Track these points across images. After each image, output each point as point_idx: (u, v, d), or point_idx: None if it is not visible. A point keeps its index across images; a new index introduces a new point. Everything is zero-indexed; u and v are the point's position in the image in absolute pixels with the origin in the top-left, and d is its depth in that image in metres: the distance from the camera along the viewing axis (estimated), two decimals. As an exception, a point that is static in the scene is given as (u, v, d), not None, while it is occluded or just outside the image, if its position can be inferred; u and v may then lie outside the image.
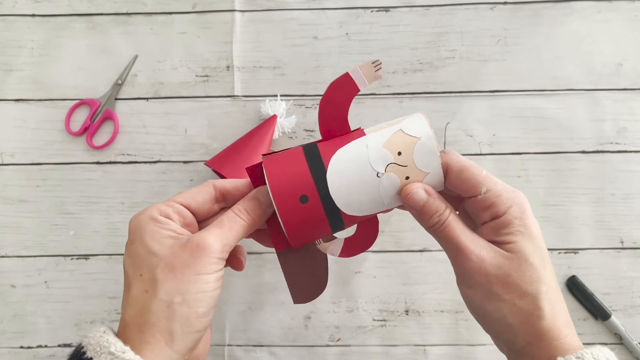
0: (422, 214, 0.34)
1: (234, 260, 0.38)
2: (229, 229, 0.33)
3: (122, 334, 0.31)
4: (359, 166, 0.32)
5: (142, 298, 0.31)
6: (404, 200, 0.33)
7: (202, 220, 0.36)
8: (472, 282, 0.32)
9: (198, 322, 0.31)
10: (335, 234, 0.35)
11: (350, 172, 0.32)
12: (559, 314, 0.32)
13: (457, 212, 0.36)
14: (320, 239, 0.35)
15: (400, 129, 0.33)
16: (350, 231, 0.36)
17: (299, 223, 0.33)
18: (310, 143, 0.34)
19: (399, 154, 0.32)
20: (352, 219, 0.34)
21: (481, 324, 0.34)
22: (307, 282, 0.36)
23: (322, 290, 0.36)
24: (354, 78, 0.33)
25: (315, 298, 0.36)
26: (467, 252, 0.32)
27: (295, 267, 0.35)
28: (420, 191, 0.33)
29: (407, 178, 0.33)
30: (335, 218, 0.33)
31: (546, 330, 0.31)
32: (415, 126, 0.33)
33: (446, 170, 0.34)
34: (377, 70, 0.33)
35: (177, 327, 0.30)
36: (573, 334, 0.32)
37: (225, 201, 0.37)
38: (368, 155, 0.32)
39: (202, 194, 0.35)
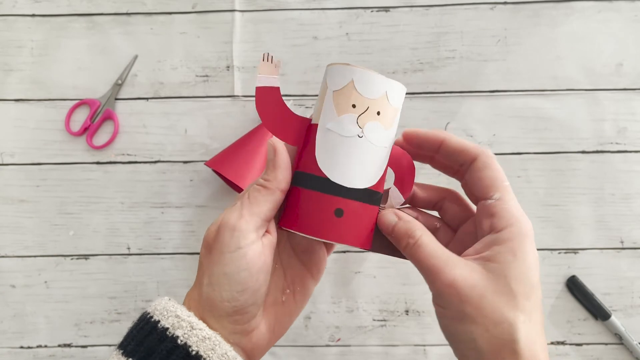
0: (392, 237, 0.33)
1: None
2: (247, 199, 0.32)
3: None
4: (343, 147, 0.32)
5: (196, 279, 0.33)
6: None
7: None
8: (444, 302, 0.31)
9: (223, 306, 0.31)
10: (385, 188, 0.35)
11: (345, 159, 0.32)
12: (536, 349, 0.29)
13: (438, 225, 0.36)
14: (381, 205, 0.34)
15: (332, 90, 0.32)
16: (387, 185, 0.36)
17: (364, 228, 0.33)
18: (294, 173, 0.34)
19: (354, 106, 0.32)
20: (383, 181, 0.33)
21: (450, 343, 0.33)
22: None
23: None
24: (264, 85, 0.33)
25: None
26: (437, 273, 0.30)
27: (389, 244, 0.35)
28: (389, 215, 0.33)
29: (379, 113, 0.32)
30: (374, 197, 0.33)
31: None
32: (339, 77, 0.32)
33: (441, 142, 0.34)
34: (272, 60, 0.33)
35: (207, 309, 0.31)
36: None
37: None
38: (337, 133, 0.32)
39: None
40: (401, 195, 0.35)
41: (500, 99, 0.60)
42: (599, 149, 0.59)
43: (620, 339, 0.57)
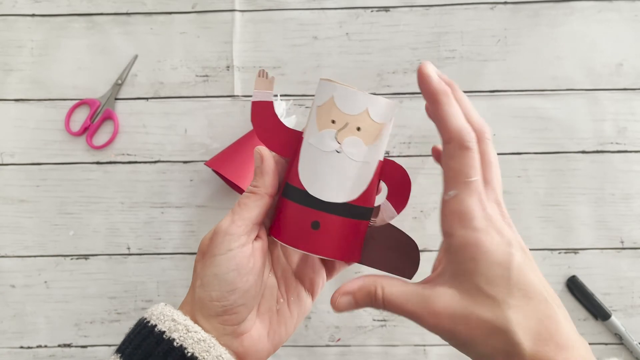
0: (363, 306, 0.32)
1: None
2: (238, 205, 0.33)
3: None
4: (322, 162, 0.32)
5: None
6: (336, 311, 0.33)
7: None
8: (439, 336, 0.30)
9: (212, 305, 0.32)
10: (376, 204, 0.35)
11: (323, 173, 0.32)
12: (547, 342, 0.27)
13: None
14: (372, 219, 0.35)
15: (316, 106, 0.33)
16: (379, 199, 0.36)
17: (343, 241, 0.33)
18: (284, 184, 0.35)
19: (333, 122, 0.32)
20: (368, 195, 0.33)
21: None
22: (400, 259, 0.35)
23: (417, 255, 0.35)
24: (259, 99, 0.35)
25: (418, 265, 0.35)
26: (417, 318, 0.30)
27: (381, 258, 0.35)
28: (340, 300, 0.32)
29: (359, 129, 0.32)
30: (356, 211, 0.33)
31: None
32: (322, 93, 0.33)
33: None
34: (267, 76, 0.35)
35: (198, 310, 0.32)
36: (572, 357, 0.27)
37: None
38: (317, 147, 0.32)
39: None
40: (394, 210, 0.35)
41: (500, 99, 0.60)
42: (599, 149, 0.59)
43: (620, 339, 0.57)
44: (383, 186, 0.35)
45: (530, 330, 0.27)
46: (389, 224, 0.35)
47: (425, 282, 0.31)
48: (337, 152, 0.32)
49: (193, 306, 0.32)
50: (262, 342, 0.34)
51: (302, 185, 0.33)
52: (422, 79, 0.31)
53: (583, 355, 0.27)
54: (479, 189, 0.29)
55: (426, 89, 0.31)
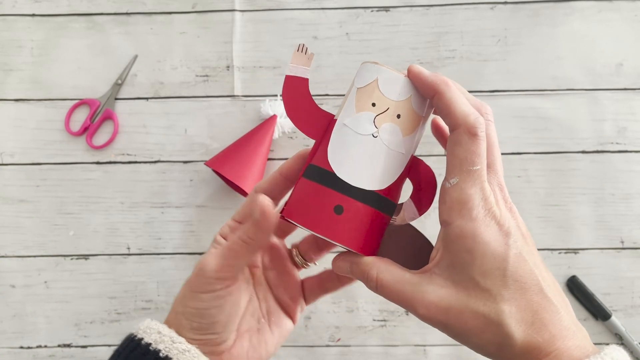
0: (356, 278, 0.33)
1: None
2: (227, 249, 0.33)
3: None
4: (356, 145, 0.31)
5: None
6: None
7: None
8: (429, 323, 0.30)
9: (194, 334, 0.33)
10: (400, 202, 0.34)
11: (355, 157, 0.31)
12: (540, 332, 0.27)
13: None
14: (393, 217, 0.33)
15: (356, 87, 0.32)
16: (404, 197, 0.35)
17: (364, 232, 0.31)
18: (306, 165, 0.33)
19: (373, 105, 0.31)
20: (395, 189, 0.32)
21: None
22: (414, 261, 0.33)
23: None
24: (295, 74, 0.33)
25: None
26: (410, 307, 0.30)
27: (395, 258, 0.33)
28: (339, 262, 0.33)
29: (399, 116, 0.31)
30: (382, 203, 0.31)
31: (524, 353, 0.27)
32: (365, 75, 0.32)
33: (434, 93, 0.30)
34: (306, 51, 0.33)
35: (181, 327, 0.33)
36: (565, 347, 0.27)
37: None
38: (352, 129, 0.31)
39: (270, 183, 0.35)
40: (417, 211, 0.33)
41: (500, 99, 0.60)
42: (599, 148, 0.59)
43: (620, 339, 0.57)
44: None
45: (523, 321, 0.27)
46: (409, 224, 0.34)
47: (423, 271, 0.31)
48: (374, 136, 0.31)
49: (177, 323, 0.34)
50: (240, 358, 0.35)
51: (330, 166, 0.31)
52: (416, 77, 0.30)
53: (578, 344, 0.27)
54: (482, 177, 0.29)
55: (423, 83, 0.30)
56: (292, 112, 0.33)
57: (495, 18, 0.61)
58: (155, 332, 0.33)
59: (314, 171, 0.32)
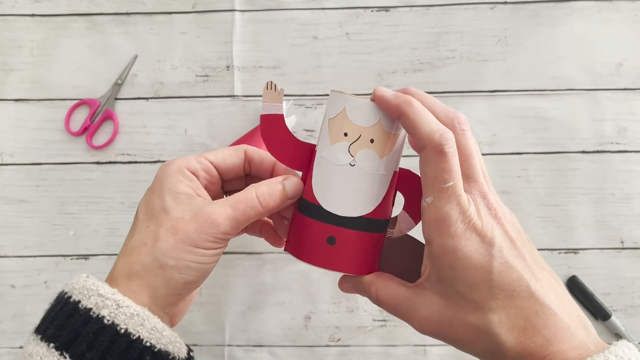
0: (362, 295, 0.34)
1: (272, 235, 0.39)
2: (242, 214, 0.32)
3: (109, 279, 0.31)
4: (336, 176, 0.32)
5: (138, 249, 0.31)
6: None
7: (227, 180, 0.36)
8: (426, 335, 0.31)
9: (184, 287, 0.31)
10: (392, 215, 0.35)
11: (337, 188, 0.32)
12: (533, 338, 0.27)
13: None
14: (389, 230, 0.35)
15: (328, 119, 0.33)
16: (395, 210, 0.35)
17: (360, 256, 0.33)
18: (300, 199, 0.35)
19: (345, 134, 0.32)
20: (384, 207, 0.33)
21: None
22: (415, 268, 0.34)
23: None
24: (269, 112, 0.33)
25: None
26: (407, 321, 0.31)
27: (397, 267, 0.35)
28: (345, 286, 0.35)
29: (372, 141, 0.31)
30: (372, 225, 0.33)
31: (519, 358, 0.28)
32: (334, 105, 0.32)
33: (400, 114, 0.30)
34: (275, 88, 0.33)
35: (163, 286, 0.31)
36: (560, 351, 0.27)
37: (249, 169, 0.37)
38: (330, 161, 0.32)
39: (233, 157, 0.35)
40: (412, 220, 0.34)
41: (500, 99, 0.60)
42: (599, 149, 0.59)
43: (620, 339, 0.57)
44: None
45: (515, 329, 0.28)
46: (407, 234, 0.35)
47: (416, 285, 0.31)
48: (351, 165, 0.32)
49: (146, 277, 0.30)
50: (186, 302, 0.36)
51: (316, 200, 0.32)
52: (380, 100, 0.31)
53: (576, 345, 0.27)
54: (457, 192, 0.29)
55: (387, 106, 0.31)
56: (275, 149, 0.34)
57: (495, 18, 0.61)
58: (94, 294, 0.29)
59: (304, 205, 0.33)
